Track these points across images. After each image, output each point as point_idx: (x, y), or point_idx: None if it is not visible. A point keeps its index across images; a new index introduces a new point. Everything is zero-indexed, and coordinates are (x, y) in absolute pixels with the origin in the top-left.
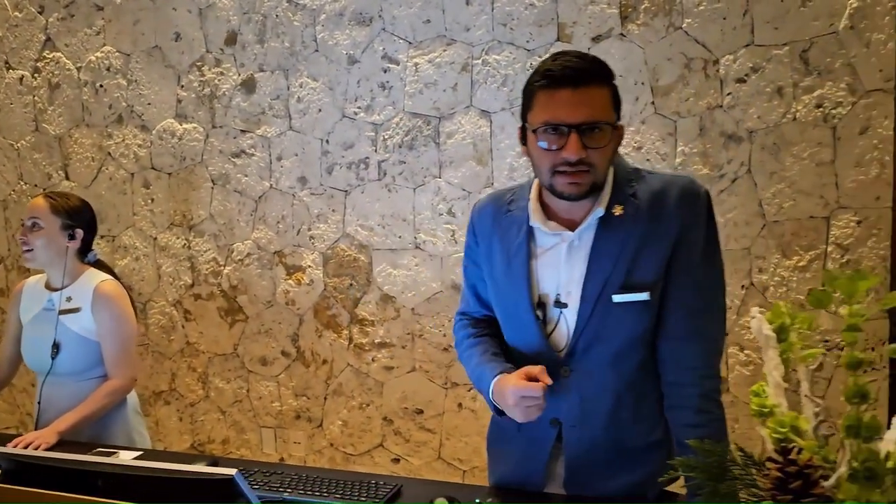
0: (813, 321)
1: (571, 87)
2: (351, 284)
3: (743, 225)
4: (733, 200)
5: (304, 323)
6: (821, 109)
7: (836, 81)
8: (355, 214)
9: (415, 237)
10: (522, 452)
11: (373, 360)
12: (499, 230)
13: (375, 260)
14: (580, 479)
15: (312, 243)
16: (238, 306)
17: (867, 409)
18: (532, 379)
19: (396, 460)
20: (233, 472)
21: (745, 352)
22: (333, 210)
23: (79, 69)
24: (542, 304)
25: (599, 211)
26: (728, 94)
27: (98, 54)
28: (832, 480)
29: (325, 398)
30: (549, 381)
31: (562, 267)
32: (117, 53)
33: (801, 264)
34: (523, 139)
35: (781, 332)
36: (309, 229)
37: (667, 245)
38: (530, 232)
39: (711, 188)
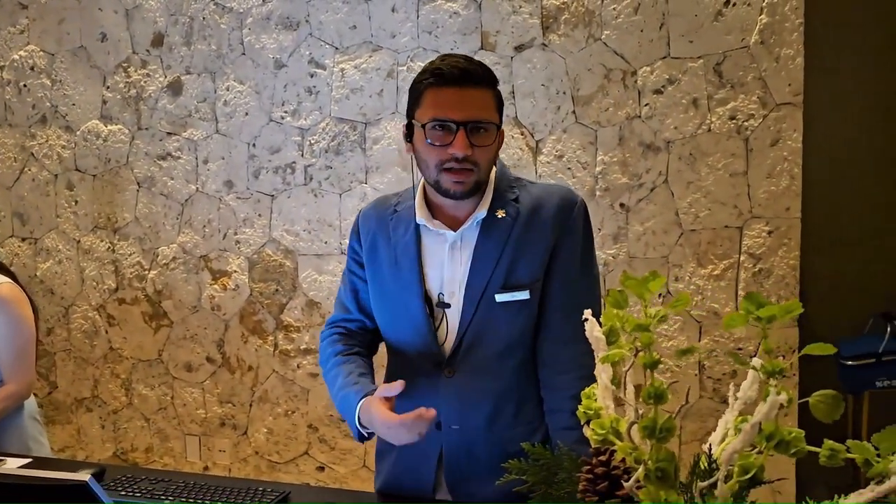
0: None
1: (459, 86)
2: (277, 290)
3: (661, 233)
4: (651, 209)
5: (230, 329)
6: (734, 121)
7: (748, 94)
8: (281, 219)
9: (340, 243)
10: (410, 458)
11: (298, 366)
12: (384, 230)
13: (301, 265)
14: (460, 482)
15: (238, 248)
16: (163, 311)
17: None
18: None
19: (321, 468)
20: (86, 477)
21: (664, 360)
22: (259, 214)
23: (1, 68)
24: (428, 303)
25: (482, 213)
26: (646, 104)
27: (21, 53)
28: (630, 482)
29: (251, 405)
30: (397, 390)
31: (445, 266)
32: (41, 53)
33: (715, 273)
34: (408, 136)
35: (611, 335)
36: (235, 234)
37: (545, 249)
38: (418, 230)
39: (630, 197)
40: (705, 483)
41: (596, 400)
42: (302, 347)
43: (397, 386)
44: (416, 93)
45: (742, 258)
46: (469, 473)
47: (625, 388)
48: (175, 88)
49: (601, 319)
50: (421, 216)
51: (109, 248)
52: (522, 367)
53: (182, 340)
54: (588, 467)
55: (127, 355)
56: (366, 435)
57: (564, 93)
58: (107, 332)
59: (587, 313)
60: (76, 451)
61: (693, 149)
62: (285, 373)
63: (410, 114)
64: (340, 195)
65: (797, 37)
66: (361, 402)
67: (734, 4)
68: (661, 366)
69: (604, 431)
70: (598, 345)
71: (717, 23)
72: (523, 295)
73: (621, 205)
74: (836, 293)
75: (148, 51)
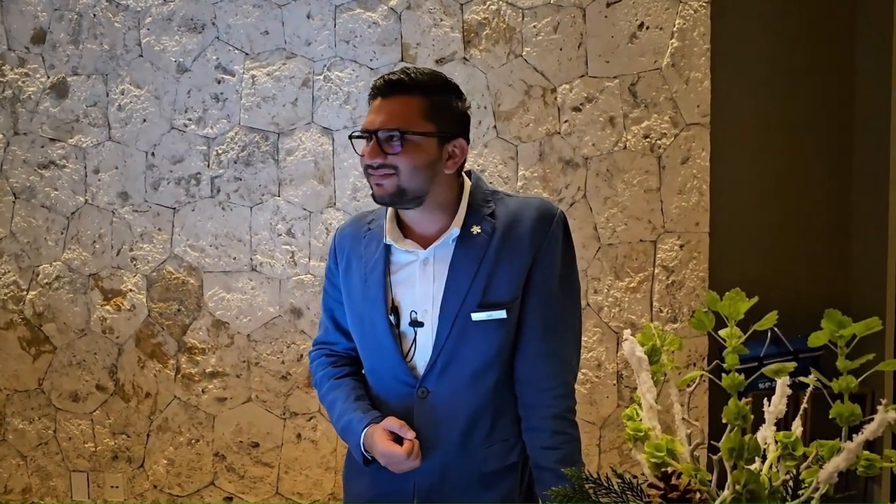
0: (681, 342)
1: (382, 96)
2: (179, 310)
3: (580, 247)
4: (571, 224)
5: (124, 353)
6: (648, 140)
7: (660, 114)
8: (185, 234)
9: (251, 259)
10: (383, 479)
11: (203, 391)
12: (358, 248)
13: (207, 283)
14: (434, 501)
15: (135, 265)
16: (44, 336)
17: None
18: (398, 436)
19: (229, 499)
20: None
21: (583, 371)
22: (160, 229)
23: None
24: (397, 322)
25: (455, 230)
26: (565, 121)
27: None
28: None
29: (148, 435)
30: (411, 435)
31: (417, 285)
32: None
33: (632, 285)
34: None
35: (653, 354)
36: (131, 249)
37: (523, 265)
38: (388, 249)
39: None
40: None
41: (641, 420)
42: (208, 371)
43: (407, 431)
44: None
45: (656, 271)
46: (443, 493)
47: (688, 409)
48: (60, 90)
49: (638, 337)
50: (391, 236)
51: None
52: (498, 386)
53: (67, 367)
54: (660, 491)
55: (0, 386)
56: (370, 459)
57: (486, 107)
58: None
59: (625, 333)
60: None
61: (610, 165)
62: (188, 398)
63: None
64: (251, 208)
65: (704, 61)
66: (366, 430)
67: (647, 28)
68: (579, 376)
69: (661, 454)
70: (641, 365)
71: (631, 45)
72: (500, 314)
73: None
74: None
75: (27, 48)
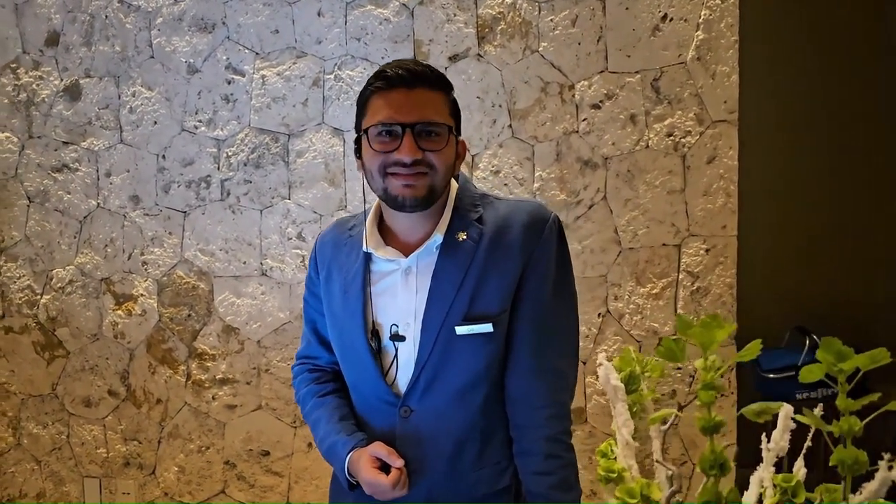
0: (664, 369)
1: (406, 87)
2: (189, 315)
3: (599, 252)
4: (590, 227)
5: (136, 358)
6: (671, 138)
7: (685, 111)
8: (195, 238)
9: (261, 263)
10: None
11: (213, 398)
12: (339, 257)
13: (217, 288)
14: None
15: (146, 269)
16: (58, 340)
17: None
18: (383, 465)
19: None
20: None
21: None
22: (170, 233)
23: None
24: (377, 337)
25: (438, 237)
26: (584, 119)
27: None
28: None
29: (160, 442)
30: (399, 463)
31: (398, 296)
32: None
33: (654, 292)
34: (358, 151)
35: (631, 382)
36: (142, 254)
37: (513, 274)
38: (368, 257)
39: (568, 214)
40: None
41: (616, 459)
42: (218, 377)
43: (395, 459)
44: (363, 101)
45: (680, 276)
46: None
47: (663, 449)
48: (73, 93)
49: (615, 363)
50: (371, 243)
51: None
52: (487, 404)
53: (80, 372)
54: None
55: (15, 390)
56: (355, 484)
57: (500, 106)
58: None
59: (601, 358)
60: None
61: (631, 165)
62: (199, 405)
63: (358, 126)
64: (261, 211)
65: (732, 54)
66: (350, 454)
67: (671, 20)
68: (597, 386)
69: (634, 501)
70: (617, 394)
71: (654, 38)
72: (486, 328)
73: None
74: (768, 309)
75: (41, 51)
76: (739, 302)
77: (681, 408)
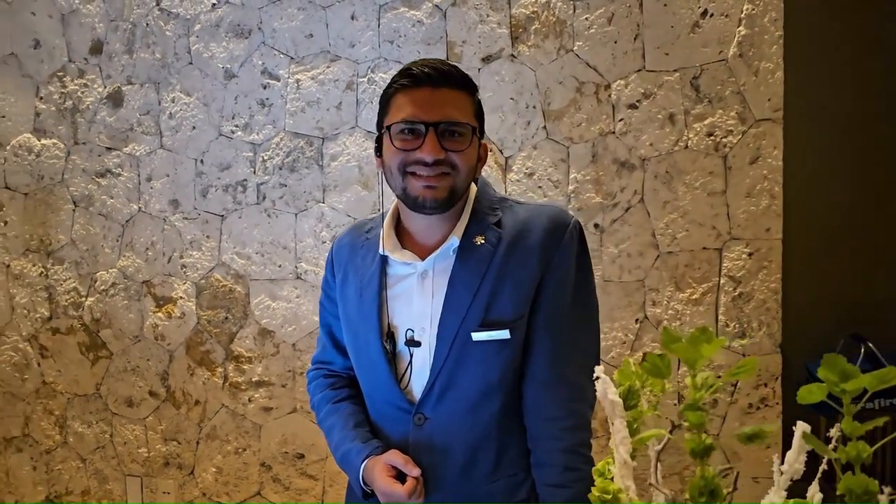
0: (664, 385)
1: (431, 86)
2: (226, 318)
3: (636, 256)
4: (626, 230)
5: (175, 360)
6: (712, 138)
7: (726, 110)
8: (232, 241)
9: (296, 266)
10: None
11: (250, 400)
12: (355, 260)
13: (253, 291)
14: None
15: (184, 272)
16: (101, 342)
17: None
18: (399, 474)
19: None
20: None
21: None
22: (208, 236)
23: None
24: (392, 342)
25: (454, 241)
26: (620, 119)
27: None
28: None
29: (198, 443)
30: (416, 472)
31: (414, 300)
32: None
33: (694, 297)
34: (378, 149)
35: (630, 397)
36: (181, 257)
37: (531, 280)
38: (384, 260)
39: (605, 217)
40: None
41: (612, 479)
42: (254, 380)
43: (412, 469)
44: (386, 100)
45: (722, 281)
46: None
47: (655, 471)
48: (115, 100)
49: (614, 377)
50: (387, 246)
51: (42, 273)
52: (503, 414)
53: (122, 373)
54: None
55: (61, 390)
56: (369, 492)
57: (535, 107)
58: (39, 364)
59: (598, 371)
60: (4, 496)
61: (669, 166)
62: (235, 407)
63: (380, 123)
64: (296, 215)
65: (777, 50)
66: (366, 462)
67: (711, 15)
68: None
69: None
70: (615, 410)
71: (693, 35)
72: (503, 334)
73: (595, 225)
74: (814, 316)
75: (86, 59)
76: (785, 309)
77: (675, 427)
